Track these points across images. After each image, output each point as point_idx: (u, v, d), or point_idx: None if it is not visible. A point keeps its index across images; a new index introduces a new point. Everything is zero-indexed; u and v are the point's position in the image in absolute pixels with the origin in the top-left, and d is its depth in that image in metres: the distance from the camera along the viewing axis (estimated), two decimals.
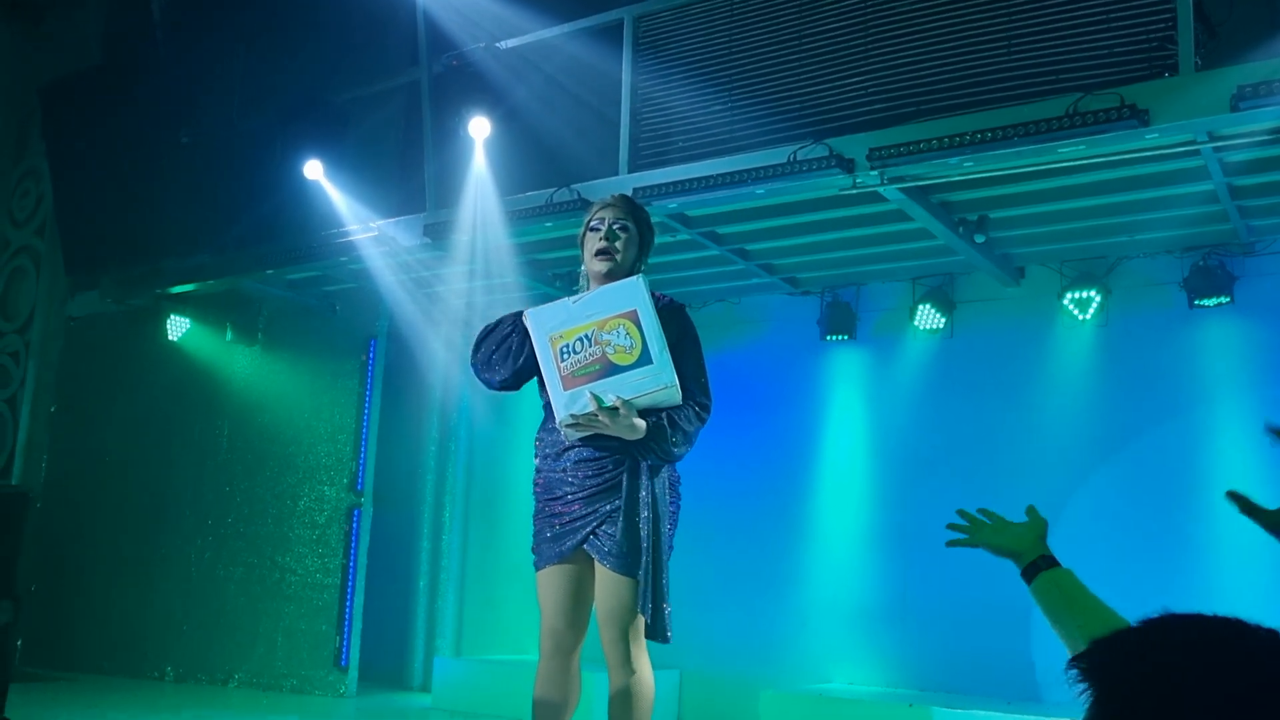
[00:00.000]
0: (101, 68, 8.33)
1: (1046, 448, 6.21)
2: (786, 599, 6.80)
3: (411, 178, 6.68)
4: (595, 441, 3.23)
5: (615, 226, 3.34)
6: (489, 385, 3.48)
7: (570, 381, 3.18)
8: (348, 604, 7.48)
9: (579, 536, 3.26)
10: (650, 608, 3.19)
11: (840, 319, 6.84)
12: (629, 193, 5.57)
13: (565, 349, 3.20)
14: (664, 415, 3.18)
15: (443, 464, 8.06)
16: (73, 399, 8.92)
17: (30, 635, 8.31)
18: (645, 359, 3.13)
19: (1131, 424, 6.05)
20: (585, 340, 3.18)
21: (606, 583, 3.23)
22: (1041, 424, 6.26)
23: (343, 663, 7.41)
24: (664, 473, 3.30)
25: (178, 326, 8.32)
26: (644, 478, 3.23)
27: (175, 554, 8.21)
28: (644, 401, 3.16)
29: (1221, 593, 5.61)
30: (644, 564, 3.18)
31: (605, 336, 3.16)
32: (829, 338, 6.89)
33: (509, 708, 6.46)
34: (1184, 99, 4.48)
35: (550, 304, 3.32)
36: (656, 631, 3.21)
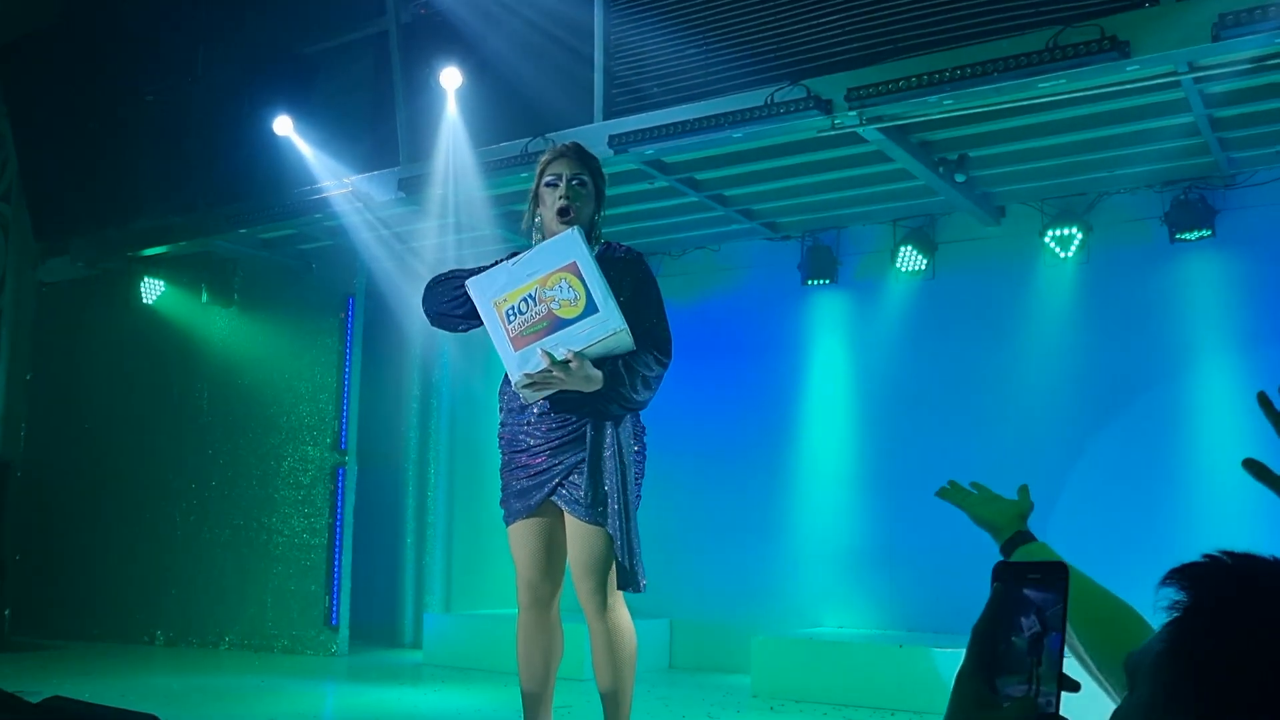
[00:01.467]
0: (61, 26, 8.14)
1: (1030, 386, 6.22)
2: (774, 545, 6.82)
3: (384, 131, 6.56)
4: (559, 396, 3.21)
5: (574, 183, 3.32)
6: (444, 329, 3.53)
7: (519, 342, 3.17)
8: (336, 563, 7.48)
9: (546, 490, 3.27)
10: (626, 557, 3.20)
11: (821, 263, 6.80)
12: (604, 140, 5.51)
13: (510, 311, 3.18)
14: (620, 361, 3.16)
15: (425, 420, 8.03)
16: (48, 366, 8.82)
17: (17, 605, 8.28)
18: (591, 308, 3.11)
19: (1114, 360, 6.06)
20: (530, 300, 3.17)
21: (578, 534, 3.23)
22: (1025, 363, 6.26)
23: (333, 621, 7.43)
24: (628, 422, 3.29)
25: (152, 289, 8.21)
26: (608, 428, 3.23)
27: (160, 518, 8.17)
28: (596, 350, 3.13)
29: (1205, 526, 5.65)
30: (614, 513, 3.19)
31: (549, 293, 3.14)
32: (810, 282, 6.85)
33: (500, 661, 6.48)
34: (1165, 29, 4.42)
35: (489, 270, 3.29)
36: (630, 580, 3.23)
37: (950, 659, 5.36)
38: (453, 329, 3.47)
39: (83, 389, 8.64)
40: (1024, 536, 1.79)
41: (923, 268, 6.49)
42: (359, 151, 6.56)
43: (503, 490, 3.40)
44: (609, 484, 3.20)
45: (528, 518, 3.32)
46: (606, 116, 5.70)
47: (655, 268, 7.49)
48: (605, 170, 5.73)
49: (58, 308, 8.84)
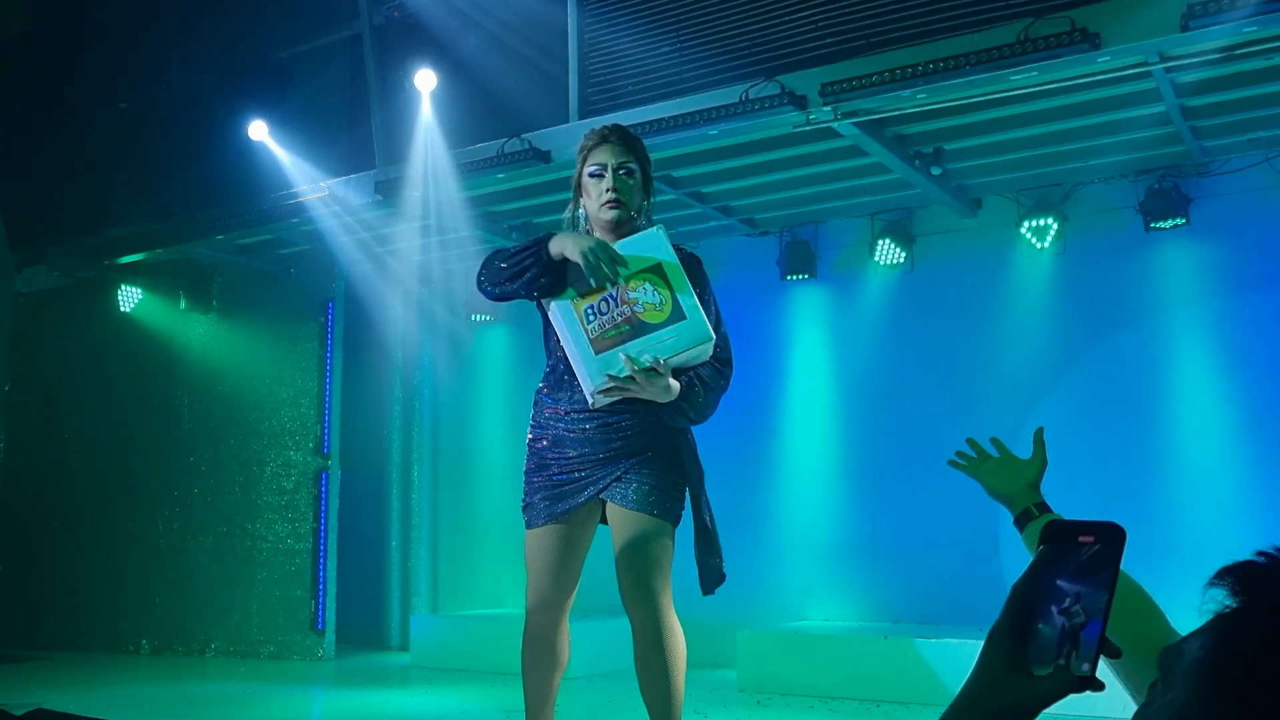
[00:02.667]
0: (32, 34, 8.08)
1: (1010, 376, 6.26)
2: (759, 539, 6.84)
3: (359, 134, 6.55)
4: (620, 404, 3.02)
5: (620, 173, 3.04)
6: (489, 296, 3.19)
7: (600, 344, 2.95)
8: (321, 567, 7.46)
9: (587, 494, 3.06)
10: (713, 560, 3.12)
11: (800, 258, 6.82)
12: (580, 139, 5.51)
13: (590, 310, 2.97)
14: (693, 374, 3.00)
15: (408, 422, 8.02)
16: (27, 377, 8.76)
17: (1, 616, 8.23)
18: (677, 315, 2.91)
19: (1092, 348, 6.10)
20: (610, 300, 2.95)
21: (636, 528, 3.01)
22: (1004, 353, 6.30)
23: (319, 626, 7.41)
24: (690, 435, 3.15)
25: (130, 297, 8.17)
26: (669, 433, 3.06)
27: (144, 527, 8.14)
28: (679, 360, 2.95)
29: (1181, 509, 5.71)
30: (678, 513, 3.08)
31: (632, 295, 2.94)
32: (789, 277, 6.87)
33: (488, 662, 6.49)
34: (1134, 20, 4.46)
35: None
36: (710, 582, 3.15)
37: (936, 649, 5.40)
38: (500, 294, 3.13)
39: (62, 399, 8.59)
40: (1040, 509, 1.73)
41: (901, 261, 6.52)
42: (335, 155, 6.55)
43: (528, 494, 3.16)
44: (678, 485, 3.06)
45: (556, 523, 3.09)
46: (582, 116, 5.70)
47: None
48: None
49: (35, 318, 8.78)
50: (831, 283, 6.87)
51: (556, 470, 3.10)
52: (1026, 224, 6.14)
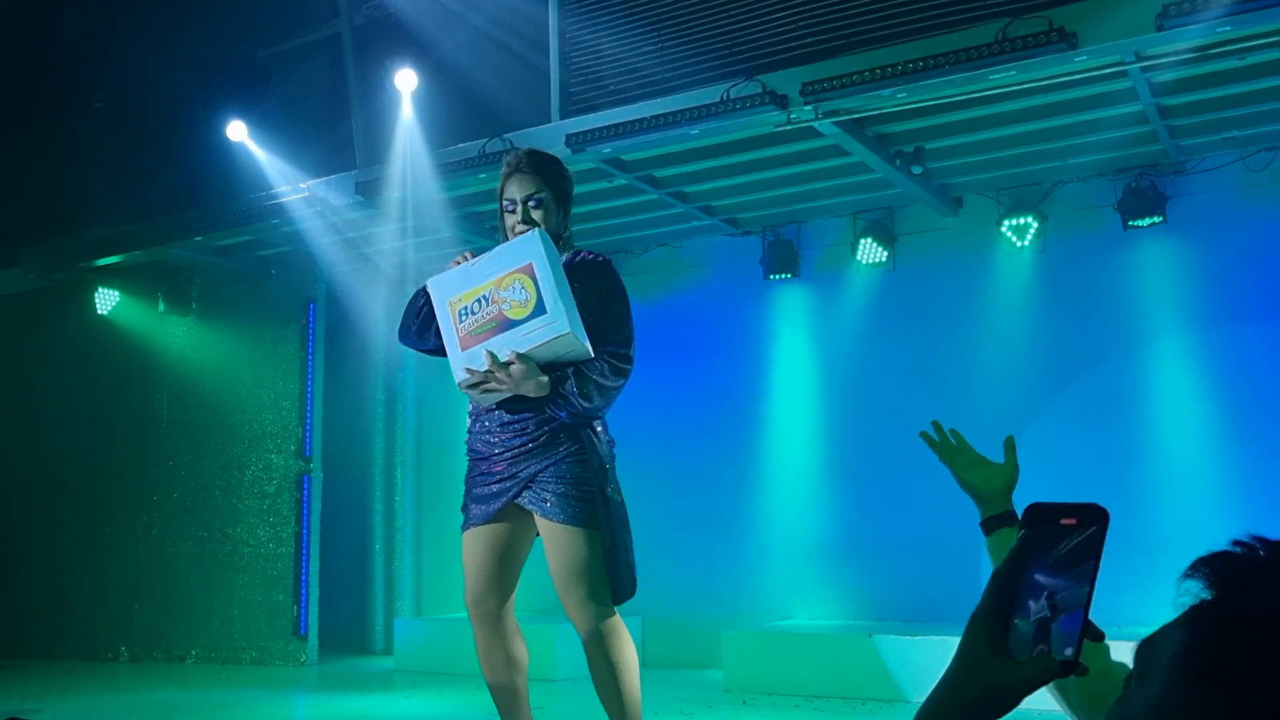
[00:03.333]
0: (6, 33, 8.01)
1: (991, 374, 6.29)
2: (744, 539, 6.85)
3: (339, 134, 6.52)
4: (516, 402, 3.12)
5: (530, 204, 3.21)
6: (420, 351, 3.41)
7: (467, 341, 3.10)
8: (303, 572, 7.42)
9: (507, 497, 3.15)
10: (616, 563, 3.09)
11: (783, 257, 6.84)
12: (562, 139, 5.51)
13: (464, 311, 3.12)
14: (570, 368, 3.08)
15: (391, 424, 7.98)
16: (2, 381, 8.68)
17: None
18: (539, 310, 3.02)
19: (1072, 346, 6.14)
20: (483, 300, 3.10)
21: (558, 539, 3.09)
22: (986, 351, 6.34)
23: (301, 631, 7.37)
24: (596, 426, 3.19)
25: (107, 300, 8.09)
26: (571, 431, 3.13)
27: (122, 532, 8.07)
28: (543, 354, 3.04)
29: (1158, 504, 5.75)
30: (597, 515, 3.08)
31: (502, 294, 3.07)
32: (772, 277, 6.88)
33: (473, 665, 6.43)
34: (1110, 20, 4.50)
35: (451, 270, 3.21)
36: (622, 592, 3.11)
37: (919, 647, 5.42)
38: (424, 348, 3.34)
39: (39, 403, 8.51)
40: (1008, 518, 1.73)
41: (883, 259, 6.55)
42: (315, 155, 6.52)
43: (464, 499, 3.29)
44: (582, 485, 3.10)
45: (484, 524, 3.19)
46: (563, 116, 5.70)
47: (617, 266, 7.51)
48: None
49: (10, 321, 8.69)
50: (814, 282, 6.89)
51: (479, 472, 3.23)
52: (1007, 223, 6.17)
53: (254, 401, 7.74)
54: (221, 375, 7.89)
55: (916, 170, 5.79)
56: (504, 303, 3.06)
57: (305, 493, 7.49)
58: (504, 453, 3.17)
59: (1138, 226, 5.92)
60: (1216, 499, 5.68)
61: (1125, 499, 5.80)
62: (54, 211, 7.67)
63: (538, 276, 3.03)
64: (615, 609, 3.12)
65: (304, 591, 7.39)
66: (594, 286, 3.18)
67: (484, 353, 3.03)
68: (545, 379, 3.05)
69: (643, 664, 7.24)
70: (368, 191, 6.23)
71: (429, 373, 7.90)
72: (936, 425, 1.88)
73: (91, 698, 6.18)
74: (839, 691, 5.56)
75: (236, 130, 6.47)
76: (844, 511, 6.61)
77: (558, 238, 3.23)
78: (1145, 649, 0.82)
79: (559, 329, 3.00)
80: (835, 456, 6.70)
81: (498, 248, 3.16)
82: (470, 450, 3.30)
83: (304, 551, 7.43)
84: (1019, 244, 6.19)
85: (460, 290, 3.14)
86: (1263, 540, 0.77)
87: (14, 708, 4.72)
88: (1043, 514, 0.92)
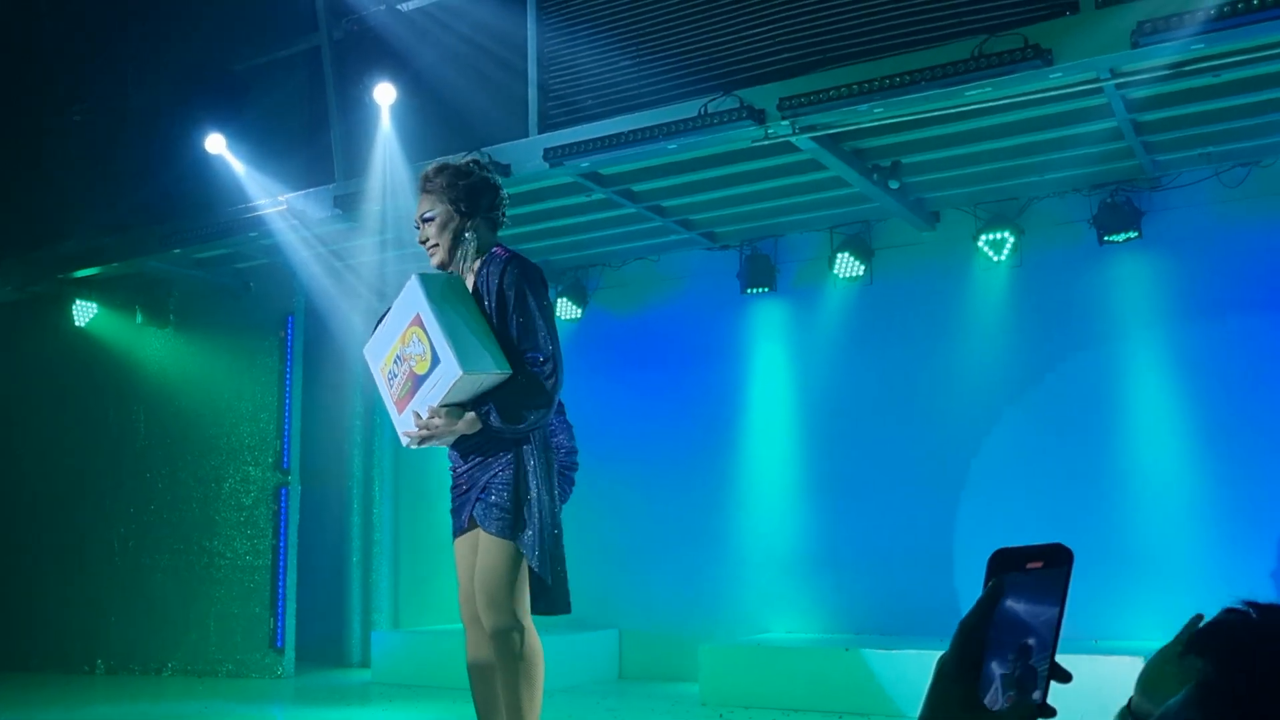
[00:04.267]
0: None
1: (967, 388, 6.32)
2: (720, 553, 6.85)
3: (318, 148, 6.50)
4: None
5: (425, 221, 3.29)
6: None
7: (400, 404, 3.21)
8: (280, 584, 7.38)
9: (466, 510, 3.27)
10: (547, 574, 3.14)
11: (760, 271, 6.85)
12: (540, 154, 5.52)
13: (390, 374, 3.22)
14: (490, 398, 3.11)
15: (369, 437, 7.96)
16: None
17: None
18: (435, 360, 3.08)
19: (1048, 360, 6.17)
20: (398, 360, 3.19)
21: (481, 545, 3.20)
22: (962, 365, 6.36)
23: (278, 644, 7.33)
24: (535, 442, 3.20)
25: (84, 311, 8.05)
26: (505, 444, 3.18)
27: (98, 545, 8.01)
28: (457, 395, 3.09)
29: (1134, 519, 5.78)
30: (522, 528, 3.12)
31: (407, 350, 3.15)
32: (749, 291, 6.90)
33: (449, 677, 6.43)
34: (1085, 37, 4.53)
35: (377, 330, 3.30)
36: (556, 602, 3.19)
37: (896, 660, 5.42)
38: None
39: (15, 415, 8.45)
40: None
41: (860, 274, 6.57)
42: (293, 168, 6.50)
43: None
44: (515, 500, 3.15)
45: (459, 535, 3.34)
46: (541, 130, 5.71)
47: (595, 279, 7.56)
48: (542, 184, 5.73)
49: None
50: (791, 296, 6.91)
51: (452, 487, 3.34)
52: (983, 237, 6.20)
53: (232, 414, 7.71)
54: (199, 387, 7.85)
55: (893, 185, 5.81)
56: (411, 359, 3.15)
57: (283, 505, 7.46)
58: (464, 466, 3.28)
59: (1113, 241, 5.96)
60: (1194, 512, 5.71)
61: (1102, 513, 5.83)
62: (32, 223, 7.63)
63: (426, 326, 3.10)
64: (519, 619, 3.14)
65: (281, 604, 7.35)
66: (498, 294, 3.18)
67: (412, 415, 3.15)
68: (472, 415, 3.13)
69: (619, 677, 7.26)
70: (346, 205, 6.23)
71: None
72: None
73: (68, 711, 6.13)
74: (816, 704, 5.56)
75: (215, 143, 6.45)
76: (821, 524, 6.62)
77: (456, 250, 3.26)
78: None
79: (452, 375, 3.04)
80: (812, 470, 6.71)
81: (394, 303, 3.24)
82: (449, 461, 3.41)
83: (281, 564, 7.40)
84: (995, 258, 6.22)
85: (384, 353, 3.25)
86: (1254, 605, 0.78)
87: None
88: (1009, 560, 0.91)
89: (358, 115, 6.17)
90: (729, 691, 5.83)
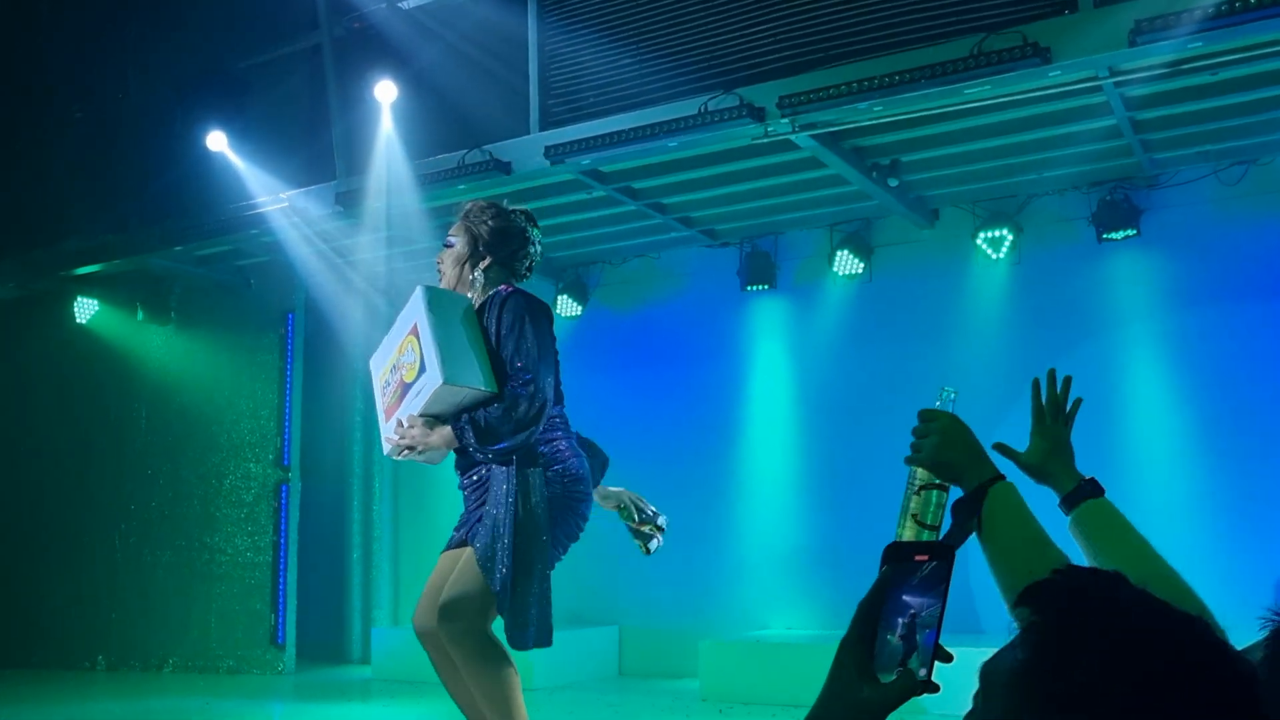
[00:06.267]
0: None
1: (966, 385, 6.24)
2: (720, 549, 6.87)
3: (319, 145, 6.52)
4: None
5: (445, 246, 3.34)
6: None
7: (389, 412, 3.24)
8: (281, 581, 7.40)
9: (463, 530, 3.20)
10: (508, 609, 3.03)
11: (760, 269, 6.87)
12: (541, 151, 5.54)
13: (385, 384, 3.27)
14: (465, 415, 3.06)
15: (369, 434, 7.97)
16: None
17: None
18: (422, 368, 3.10)
19: (1047, 357, 6.13)
20: (394, 369, 3.24)
21: (464, 556, 3.11)
22: (961, 362, 6.37)
23: (279, 640, 7.35)
24: (537, 465, 3.09)
25: (86, 309, 8.07)
26: (504, 473, 3.06)
27: (100, 541, 8.03)
28: (438, 407, 3.08)
29: (1136, 518, 5.79)
30: (493, 561, 3.00)
31: (402, 360, 3.19)
32: (749, 288, 6.92)
33: None
34: (1084, 35, 4.55)
35: (383, 342, 3.35)
36: (513, 636, 3.06)
37: None
38: None
39: (16, 412, 8.47)
40: (1091, 489, 1.63)
41: (860, 271, 6.59)
42: (294, 166, 6.52)
43: None
44: (493, 526, 3.03)
45: (447, 550, 3.27)
46: (543, 127, 5.73)
47: (595, 276, 7.58)
48: (542, 181, 5.74)
49: None
50: (791, 293, 6.93)
51: (463, 500, 3.30)
52: (982, 235, 6.22)
53: (232, 411, 7.72)
54: (200, 384, 7.87)
55: (893, 182, 5.83)
56: (403, 369, 3.19)
57: (283, 502, 7.48)
58: (464, 488, 3.25)
59: (1112, 239, 5.98)
60: (1191, 509, 5.73)
61: None
62: (33, 221, 7.65)
63: (420, 335, 3.12)
64: (473, 622, 3.08)
65: (282, 600, 7.37)
66: (495, 322, 3.16)
67: (396, 422, 3.17)
68: (447, 429, 3.09)
69: (620, 673, 7.29)
70: (347, 202, 6.24)
71: None
72: (1061, 379, 1.72)
73: (69, 707, 6.15)
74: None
75: (216, 141, 6.47)
76: (821, 521, 6.64)
77: (461, 281, 3.29)
78: (988, 670, 0.89)
79: (434, 383, 3.04)
80: (812, 466, 6.73)
81: (400, 315, 3.27)
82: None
83: (282, 560, 7.42)
84: (994, 256, 6.24)
85: (383, 363, 3.30)
86: (1076, 566, 0.87)
87: None
88: (900, 552, 1.05)
89: (359, 113, 6.18)
90: (729, 687, 5.85)
